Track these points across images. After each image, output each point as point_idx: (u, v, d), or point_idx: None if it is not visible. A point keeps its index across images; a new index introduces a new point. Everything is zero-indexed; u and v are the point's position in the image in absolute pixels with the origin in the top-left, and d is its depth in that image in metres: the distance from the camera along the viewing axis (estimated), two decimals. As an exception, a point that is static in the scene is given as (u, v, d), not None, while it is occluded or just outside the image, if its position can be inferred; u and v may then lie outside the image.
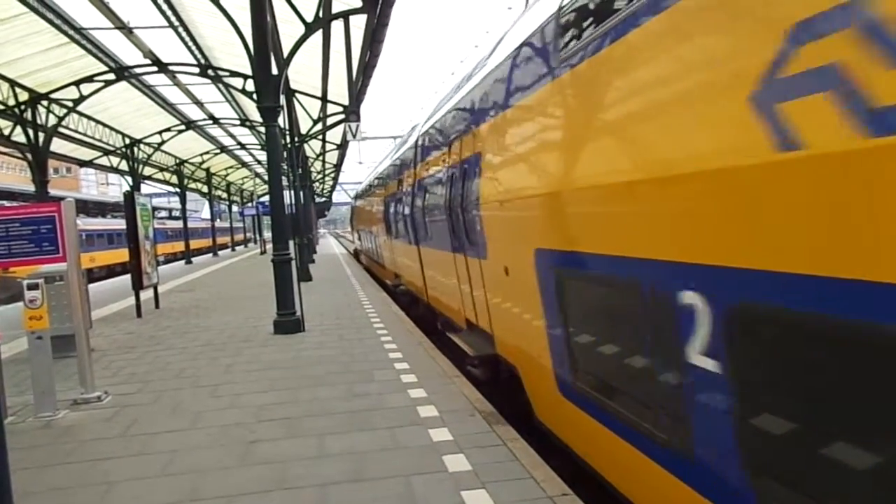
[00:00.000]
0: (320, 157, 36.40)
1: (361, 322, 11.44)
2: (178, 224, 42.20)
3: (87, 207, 42.69)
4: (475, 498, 4.10)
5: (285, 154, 19.24)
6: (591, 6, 3.97)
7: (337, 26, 14.10)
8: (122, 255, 29.97)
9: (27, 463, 5.17)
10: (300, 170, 24.47)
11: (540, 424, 5.52)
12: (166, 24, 14.39)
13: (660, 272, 3.02)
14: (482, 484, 4.30)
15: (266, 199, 43.37)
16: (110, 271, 34.56)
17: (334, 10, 11.91)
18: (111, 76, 16.78)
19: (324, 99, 19.86)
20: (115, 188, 76.28)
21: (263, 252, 39.84)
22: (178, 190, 35.70)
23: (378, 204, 18.67)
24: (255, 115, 22.55)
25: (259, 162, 40.77)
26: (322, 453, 5.06)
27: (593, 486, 4.55)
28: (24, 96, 16.84)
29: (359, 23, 13.92)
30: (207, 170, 38.53)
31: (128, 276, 14.98)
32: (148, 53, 15.86)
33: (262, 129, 12.24)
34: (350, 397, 6.62)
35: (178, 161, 33.18)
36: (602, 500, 4.43)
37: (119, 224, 33.82)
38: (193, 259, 36.49)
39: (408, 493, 4.22)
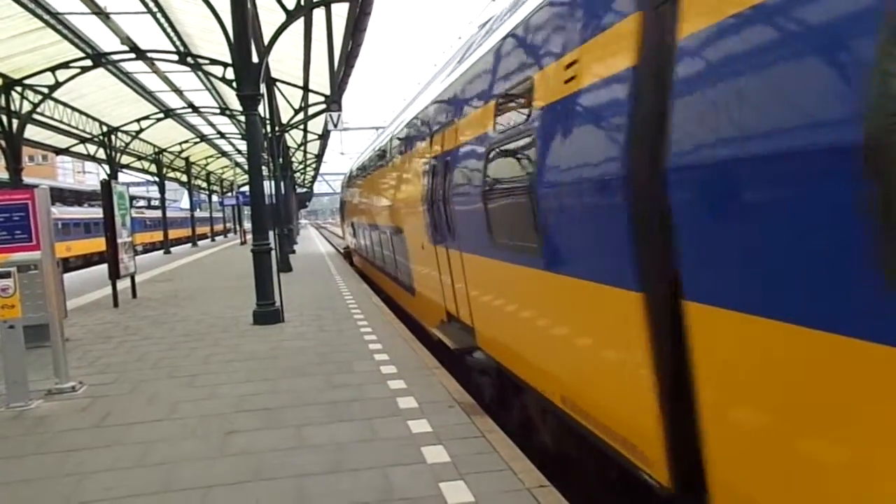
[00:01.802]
0: (302, 148, 36.12)
1: (341, 313, 11.39)
2: (157, 213, 41.70)
3: (64, 196, 41.99)
4: (453, 489, 4.10)
5: (266, 143, 19.08)
6: None
7: (319, 15, 13.97)
8: (99, 244, 29.56)
9: (-2, 454, 5.09)
10: (281, 159, 24.26)
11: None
12: (144, 9, 14.16)
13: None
14: (461, 475, 4.30)
15: (246, 188, 43.01)
16: (87, 261, 34.09)
17: (316, -3, 11.79)
18: (88, 62, 16.45)
19: (305, 88, 19.69)
20: (92, 177, 75.15)
21: (244, 242, 39.52)
22: (156, 179, 35.23)
23: (417, 171, 8.93)
24: (235, 104, 22.26)
25: (239, 151, 40.36)
26: (300, 444, 5.03)
27: (571, 477, 4.57)
28: (-3, 82, 16.48)
29: (341, 11, 13.81)
30: (187, 159, 38.08)
31: (105, 266, 14.77)
32: (125, 40, 15.59)
33: (243, 118, 12.09)
34: (329, 388, 6.59)
35: (156, 150, 32.73)
36: (580, 491, 4.46)
37: (96, 213, 33.37)
38: (172, 249, 36.09)
39: (386, 485, 4.21)
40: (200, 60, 16.43)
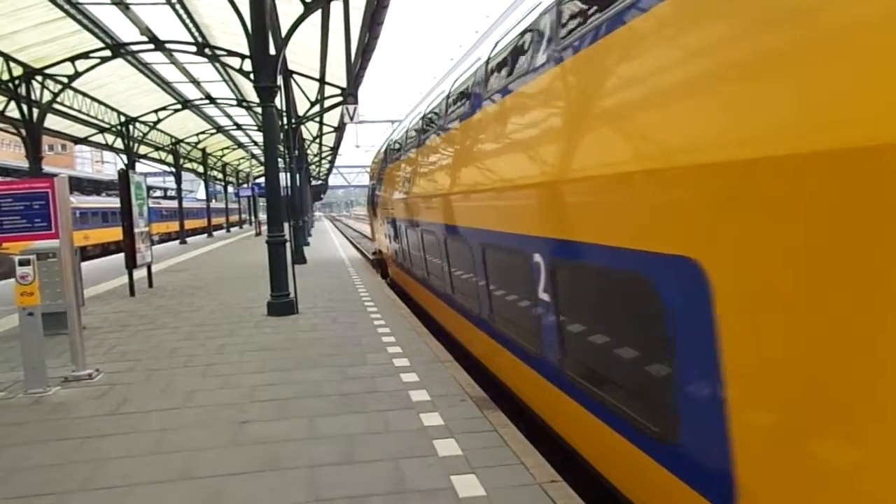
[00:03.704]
0: (317, 140, 36.21)
1: (355, 305, 11.42)
2: (173, 204, 42.02)
3: (82, 185, 42.41)
4: (465, 483, 4.11)
5: (282, 135, 19.15)
6: None
7: (336, 7, 13.97)
8: (116, 233, 29.81)
9: (16, 439, 5.17)
10: (297, 151, 24.34)
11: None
12: (163, 0, 14.23)
13: None
14: (472, 469, 4.31)
15: (262, 180, 43.17)
16: (104, 249, 34.42)
17: (334, -10, 11.80)
18: (107, 53, 16.61)
19: (322, 81, 19.72)
20: (110, 166, 75.82)
21: (258, 234, 39.75)
22: (173, 169, 35.48)
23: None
24: (252, 96, 22.40)
25: (255, 143, 40.56)
26: (313, 435, 5.06)
27: (583, 473, 4.57)
28: (18, 71, 16.68)
29: (358, 4, 13.81)
30: (203, 150, 38.32)
31: (121, 255, 14.92)
32: (145, 30, 15.69)
33: (259, 110, 12.14)
34: (342, 380, 6.62)
35: (173, 140, 32.96)
36: (591, 487, 4.45)
37: (113, 202, 33.67)
38: (188, 239, 36.37)
39: (397, 477, 4.22)
40: (218, 52, 16.55)
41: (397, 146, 13.29)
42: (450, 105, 8.12)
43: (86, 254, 29.06)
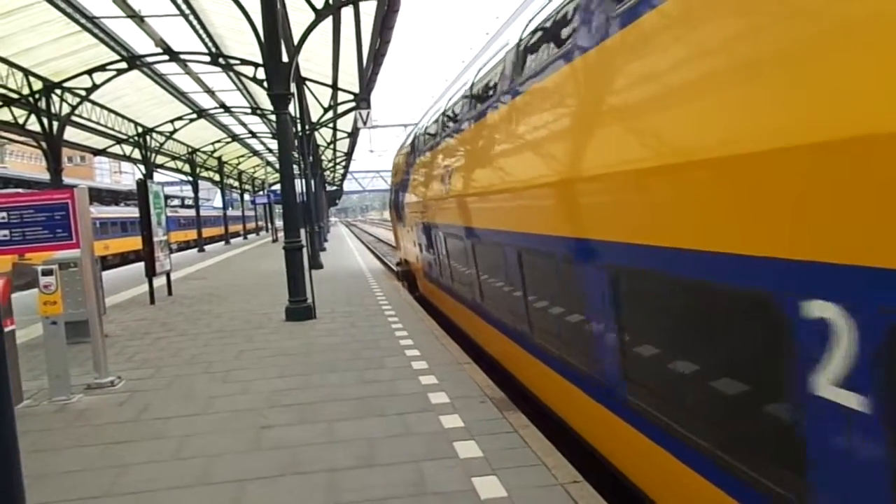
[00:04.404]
0: (331, 146, 36.38)
1: (372, 309, 11.45)
2: (191, 212, 42.42)
3: (101, 196, 42.96)
4: (486, 484, 4.10)
5: (296, 142, 19.26)
6: None
7: (347, 13, 14.03)
8: (135, 242, 30.15)
9: (41, 446, 5.24)
10: (311, 158, 24.46)
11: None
12: (177, 12, 14.38)
13: None
14: (493, 470, 4.29)
15: (277, 187, 43.41)
16: (124, 259, 34.82)
17: (345, -4, 11.85)
18: (123, 65, 16.82)
19: (334, 87, 19.81)
20: (128, 177, 76.73)
21: (275, 240, 40.00)
22: (190, 178, 35.83)
23: None
24: (266, 104, 22.55)
25: (270, 150, 40.83)
26: (333, 439, 5.07)
27: (605, 473, 4.53)
28: (37, 85, 16.93)
29: (369, 9, 13.85)
30: (219, 158, 38.63)
31: (141, 264, 15.09)
32: (159, 42, 15.86)
33: (273, 117, 12.23)
34: (361, 383, 6.64)
35: (190, 149, 33.28)
36: (613, 488, 4.42)
37: (132, 212, 34.06)
38: (206, 247, 36.69)
39: (418, 479, 4.22)
40: (232, 61, 16.69)
41: (433, 133, 10.50)
42: (532, 57, 5.41)
43: (106, 263, 29.41)
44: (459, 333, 9.59)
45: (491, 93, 6.75)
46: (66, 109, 17.71)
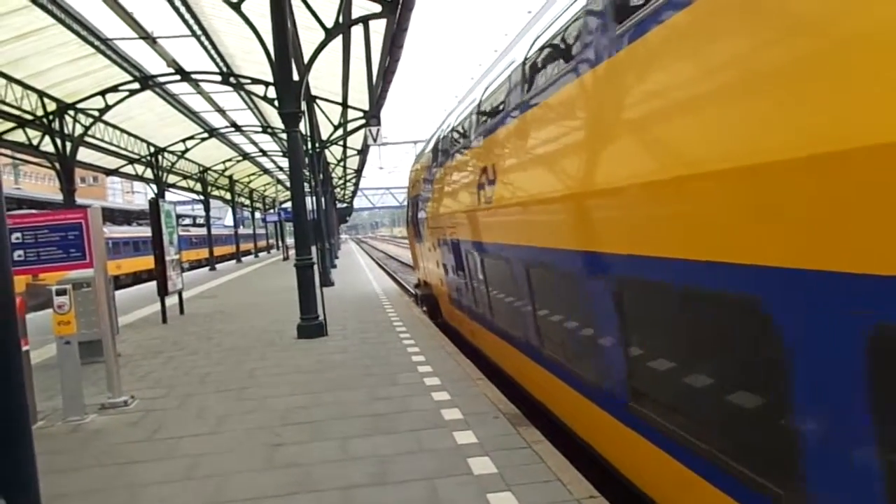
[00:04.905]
0: (341, 163, 36.58)
1: (384, 326, 11.43)
2: (202, 231, 42.68)
3: (114, 215, 43.33)
4: (501, 501, 4.06)
5: (307, 160, 19.37)
6: None
7: (357, 32, 14.16)
8: (147, 262, 30.32)
9: (56, 466, 5.23)
10: (321, 175, 24.59)
11: None
12: (189, 33, 14.58)
13: None
14: (508, 486, 4.25)
15: (288, 205, 43.63)
16: (136, 278, 35.02)
17: (354, 15, 11.96)
18: (136, 85, 17.03)
19: (344, 104, 19.96)
20: (140, 196, 77.38)
21: (286, 258, 40.13)
22: (201, 197, 36.10)
23: None
24: (276, 122, 22.74)
25: (281, 168, 41.12)
26: (346, 456, 5.05)
27: (620, 488, 4.48)
28: (51, 106, 17.20)
29: (378, 28, 13.98)
30: (230, 177, 38.93)
31: (153, 283, 15.16)
32: (171, 62, 16.08)
33: (284, 136, 12.33)
34: (373, 400, 6.61)
35: (201, 169, 33.58)
36: (629, 502, 4.36)
37: (144, 232, 34.31)
38: (217, 266, 36.87)
39: (433, 496, 4.19)
40: (243, 80, 16.88)
41: (466, 131, 8.68)
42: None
43: (118, 283, 29.58)
44: (471, 350, 9.28)
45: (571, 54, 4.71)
46: (79, 130, 17.94)
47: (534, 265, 5.78)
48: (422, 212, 12.98)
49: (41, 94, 16.70)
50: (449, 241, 10.04)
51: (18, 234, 6.97)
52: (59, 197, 20.41)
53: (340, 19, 11.22)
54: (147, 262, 30.33)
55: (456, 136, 9.62)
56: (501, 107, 6.73)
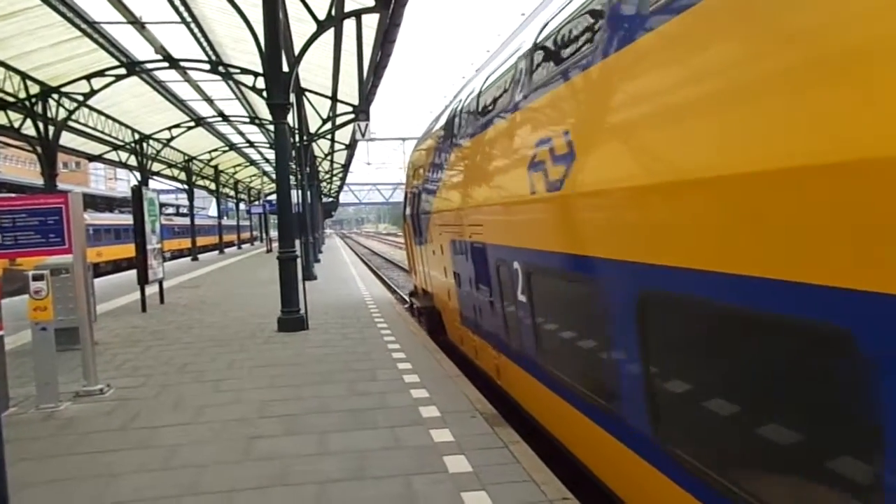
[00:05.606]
0: (328, 157, 36.44)
1: (365, 321, 11.41)
2: (186, 221, 42.32)
3: (95, 202, 42.80)
4: (475, 499, 4.07)
5: (294, 152, 19.27)
6: None
7: (349, 25, 14.12)
8: (128, 250, 30.01)
9: (27, 454, 5.17)
10: (308, 168, 24.49)
11: None
12: (178, 19, 14.43)
13: None
14: (482, 486, 4.27)
15: (273, 197, 43.40)
16: (116, 266, 34.66)
17: (347, 8, 11.92)
18: (122, 71, 16.83)
19: (334, 98, 19.88)
20: (122, 183, 76.55)
21: (269, 250, 39.94)
22: (185, 187, 35.80)
23: None
24: (264, 113, 22.60)
25: (267, 160, 40.87)
26: (323, 451, 5.04)
27: (593, 489, 4.51)
28: (34, 89, 16.94)
29: (371, 22, 13.93)
30: (216, 167, 38.63)
31: (134, 272, 15.02)
32: (159, 49, 15.90)
33: (272, 127, 12.27)
34: (352, 395, 6.60)
35: (186, 158, 33.29)
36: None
37: (126, 219, 33.94)
38: (200, 256, 36.58)
39: (408, 493, 4.19)
40: (231, 69, 16.73)
41: (504, 88, 6.14)
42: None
43: (98, 270, 29.26)
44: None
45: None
46: (62, 114, 17.69)
47: (653, 295, 3.32)
48: (426, 205, 10.55)
49: (24, 76, 16.45)
50: (468, 244, 7.63)
51: (-4, 217, 6.86)
52: (40, 181, 20.14)
53: (333, 12, 11.18)
54: (129, 250, 30.03)
55: (489, 98, 6.84)
56: (585, 43, 4.15)
